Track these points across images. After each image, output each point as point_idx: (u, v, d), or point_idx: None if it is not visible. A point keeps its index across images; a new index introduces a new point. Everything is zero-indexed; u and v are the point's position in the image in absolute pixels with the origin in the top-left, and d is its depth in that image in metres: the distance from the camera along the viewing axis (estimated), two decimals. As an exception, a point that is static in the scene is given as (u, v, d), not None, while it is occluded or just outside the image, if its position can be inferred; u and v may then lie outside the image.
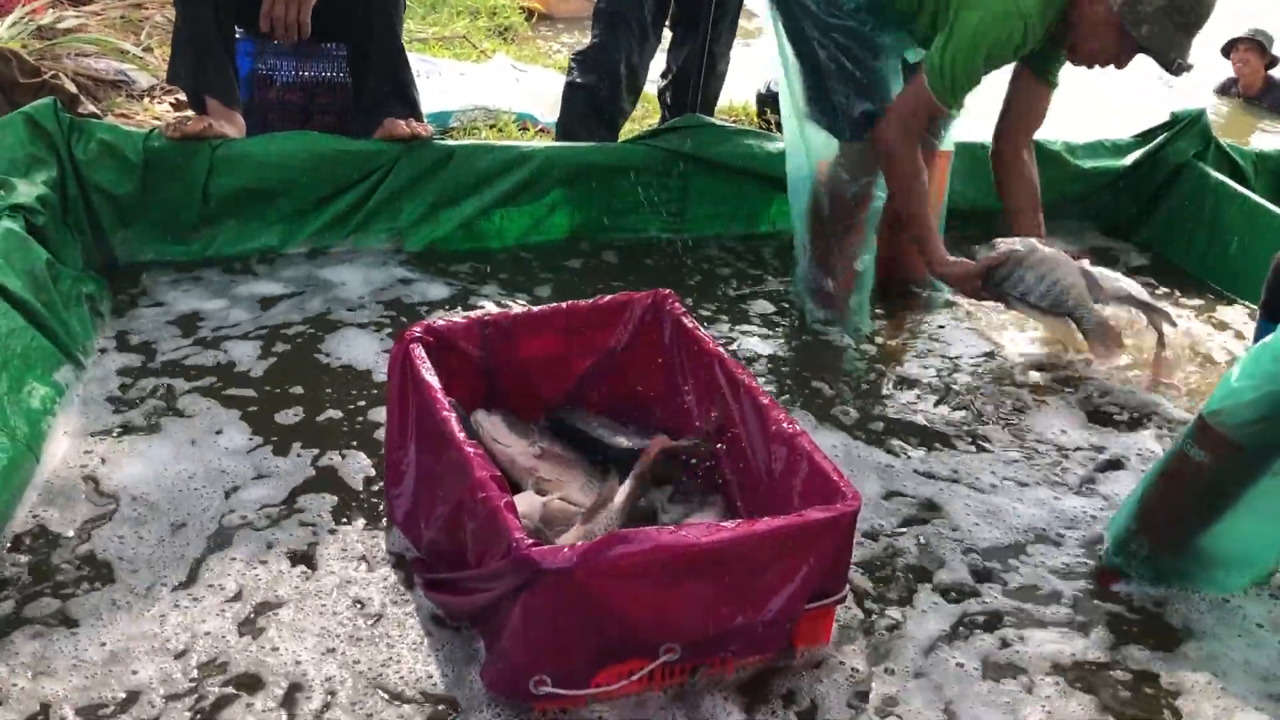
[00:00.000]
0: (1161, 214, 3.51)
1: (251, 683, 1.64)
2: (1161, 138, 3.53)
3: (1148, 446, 2.43)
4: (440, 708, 1.63)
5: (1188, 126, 3.52)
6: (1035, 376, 2.69)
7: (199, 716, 1.58)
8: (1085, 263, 2.66)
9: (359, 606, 1.80)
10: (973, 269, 2.63)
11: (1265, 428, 1.79)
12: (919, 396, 2.57)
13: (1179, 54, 2.44)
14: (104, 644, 1.68)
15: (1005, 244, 2.64)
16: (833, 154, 2.77)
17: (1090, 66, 2.61)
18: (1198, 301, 3.21)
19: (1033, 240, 2.65)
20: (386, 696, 1.64)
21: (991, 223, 3.35)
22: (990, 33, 2.46)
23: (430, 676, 1.68)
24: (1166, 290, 3.22)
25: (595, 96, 3.48)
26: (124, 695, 1.60)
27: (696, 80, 3.62)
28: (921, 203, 2.65)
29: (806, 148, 2.80)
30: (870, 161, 2.73)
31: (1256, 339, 2.14)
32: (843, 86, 2.66)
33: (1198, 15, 2.43)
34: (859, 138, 2.70)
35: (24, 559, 1.83)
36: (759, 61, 4.35)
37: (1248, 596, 1.98)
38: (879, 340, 2.83)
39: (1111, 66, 2.57)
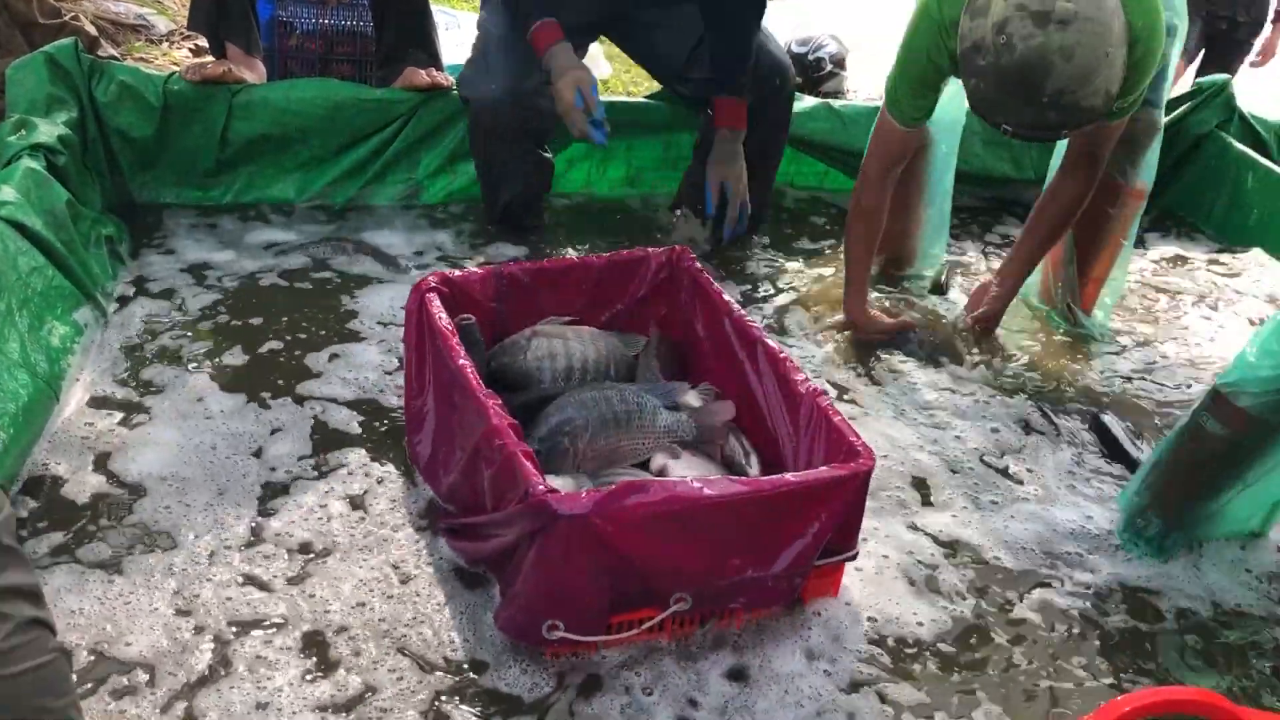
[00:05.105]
0: (1182, 184, 3.48)
1: (280, 623, 1.68)
2: (1185, 107, 3.50)
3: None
4: (454, 651, 1.66)
5: (1212, 97, 3.48)
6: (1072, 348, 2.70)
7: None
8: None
9: (385, 545, 1.84)
10: (882, 327, 2.59)
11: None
12: (941, 358, 2.57)
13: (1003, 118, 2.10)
14: (127, 581, 1.71)
15: (910, 324, 2.61)
16: None
17: None
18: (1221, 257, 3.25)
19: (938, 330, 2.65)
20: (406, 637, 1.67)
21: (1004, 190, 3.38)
22: (910, 42, 2.33)
23: (447, 617, 1.70)
24: (1184, 255, 3.24)
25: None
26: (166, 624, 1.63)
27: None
28: (856, 242, 2.55)
29: None
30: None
31: None
32: None
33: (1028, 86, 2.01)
34: None
35: (33, 503, 1.86)
36: (784, 22, 4.32)
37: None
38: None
39: None
